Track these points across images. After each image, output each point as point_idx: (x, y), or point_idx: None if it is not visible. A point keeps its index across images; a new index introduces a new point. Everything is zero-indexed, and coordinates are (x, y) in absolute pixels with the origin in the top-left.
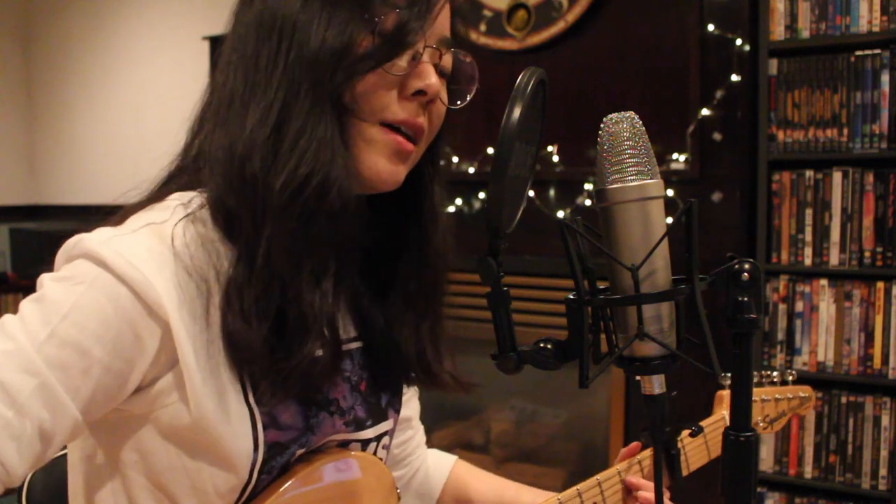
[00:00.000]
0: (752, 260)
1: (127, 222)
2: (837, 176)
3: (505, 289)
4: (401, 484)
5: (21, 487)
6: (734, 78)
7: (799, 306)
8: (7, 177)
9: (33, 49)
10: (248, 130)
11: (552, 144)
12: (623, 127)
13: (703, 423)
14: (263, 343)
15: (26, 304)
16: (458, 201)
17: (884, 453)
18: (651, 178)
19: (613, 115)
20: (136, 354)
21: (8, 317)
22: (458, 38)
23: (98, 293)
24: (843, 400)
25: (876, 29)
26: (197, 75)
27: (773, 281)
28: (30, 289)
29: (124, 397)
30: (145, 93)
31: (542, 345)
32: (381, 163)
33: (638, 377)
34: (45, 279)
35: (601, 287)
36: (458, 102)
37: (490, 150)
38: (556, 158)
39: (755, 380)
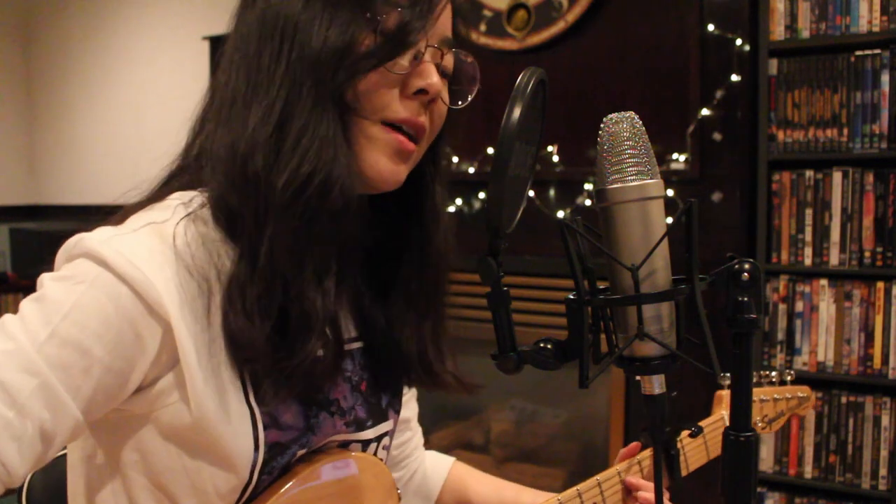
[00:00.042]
0: (752, 260)
1: (127, 222)
2: (837, 176)
3: (505, 289)
4: (399, 485)
5: (21, 487)
6: (734, 78)
7: (799, 306)
8: (7, 177)
9: (33, 49)
10: (250, 129)
11: (552, 144)
12: (623, 127)
13: (702, 424)
14: (266, 342)
15: (26, 303)
16: (458, 201)
17: (884, 453)
18: (651, 178)
19: (613, 115)
20: (137, 354)
21: (8, 316)
22: (459, 38)
23: (99, 292)
24: (843, 400)
25: (876, 29)
26: (197, 75)
27: (773, 281)
28: (30, 289)
29: (125, 397)
30: (145, 93)
31: (542, 345)
32: (383, 161)
33: (638, 377)
34: (45, 279)
35: (601, 287)
36: (460, 102)
37: (490, 150)
38: (556, 158)
39: (754, 380)
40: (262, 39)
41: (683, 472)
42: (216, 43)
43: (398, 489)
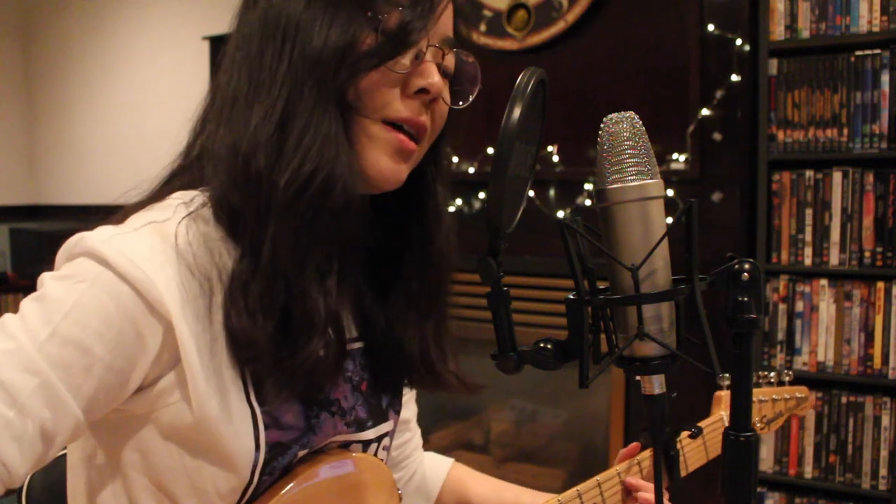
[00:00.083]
0: (752, 260)
1: (128, 221)
2: (837, 176)
3: (505, 289)
4: (399, 486)
5: (21, 488)
6: (734, 78)
7: (799, 306)
8: (7, 177)
9: (33, 49)
10: (252, 128)
11: (552, 144)
12: (623, 127)
13: (701, 424)
14: (269, 340)
15: (27, 302)
16: (458, 201)
17: (884, 453)
18: (651, 178)
19: (613, 115)
20: (138, 353)
21: (8, 316)
22: (460, 38)
23: (100, 291)
24: (843, 400)
25: (876, 29)
26: (197, 75)
27: (773, 281)
28: (30, 289)
29: (126, 396)
30: (145, 93)
31: (542, 345)
32: (384, 160)
33: (638, 377)
34: (45, 278)
35: (601, 287)
36: (461, 103)
37: (490, 150)
38: (556, 158)
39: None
40: (264, 39)
41: (683, 473)
42: (216, 43)
43: (399, 490)
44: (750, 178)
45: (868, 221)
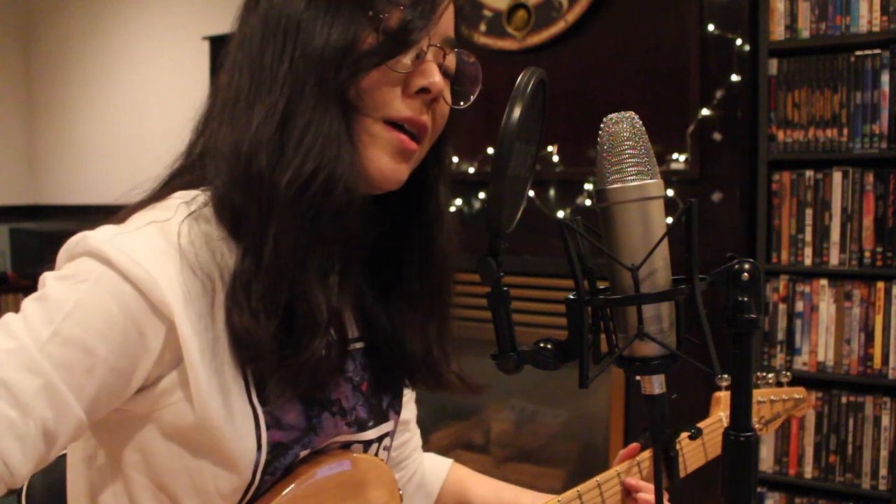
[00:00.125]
0: (752, 260)
1: (130, 220)
2: (837, 176)
3: (505, 289)
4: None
5: (20, 488)
6: (734, 78)
7: (799, 306)
8: (7, 177)
9: (33, 49)
10: (253, 128)
11: (552, 144)
12: (623, 127)
13: (700, 425)
14: (272, 339)
15: (29, 302)
16: (458, 201)
17: (884, 453)
18: (651, 178)
19: (613, 115)
20: (141, 353)
21: (10, 315)
22: (461, 38)
23: (102, 291)
24: (843, 400)
25: (876, 29)
26: (197, 75)
27: (773, 281)
28: (30, 289)
29: (128, 396)
30: (145, 93)
31: (542, 345)
32: (385, 160)
33: (638, 377)
34: (47, 277)
35: (601, 287)
36: (462, 103)
37: (490, 150)
38: (556, 158)
39: None
40: (265, 39)
41: (682, 474)
42: (216, 43)
43: (400, 490)
44: (750, 178)
45: (868, 221)
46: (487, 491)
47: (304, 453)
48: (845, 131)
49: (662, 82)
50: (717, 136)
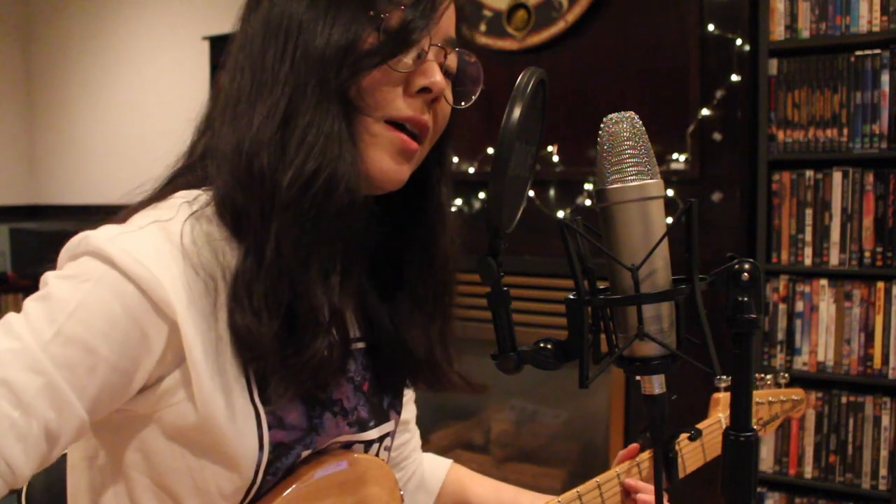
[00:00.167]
0: (752, 260)
1: (132, 220)
2: (837, 176)
3: (505, 289)
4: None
5: (20, 488)
6: (734, 78)
7: (799, 306)
8: (7, 177)
9: (33, 49)
10: (255, 127)
11: (552, 144)
12: (623, 127)
13: (698, 426)
14: (274, 339)
15: (31, 302)
16: (458, 201)
17: (884, 453)
18: (651, 178)
19: (613, 115)
20: (143, 353)
21: (13, 315)
22: (462, 39)
23: (105, 291)
24: (843, 400)
25: (876, 29)
26: (197, 75)
27: (773, 281)
28: (30, 289)
29: (130, 396)
30: (145, 93)
31: (542, 345)
32: (386, 161)
33: (638, 377)
34: (49, 277)
35: (601, 287)
36: (463, 103)
37: (490, 150)
38: (556, 158)
39: None
40: (267, 39)
41: (680, 475)
42: (216, 43)
43: (401, 491)
44: (750, 178)
45: (868, 221)
46: (487, 491)
47: (305, 453)
48: (845, 131)
49: (662, 82)
50: (717, 136)
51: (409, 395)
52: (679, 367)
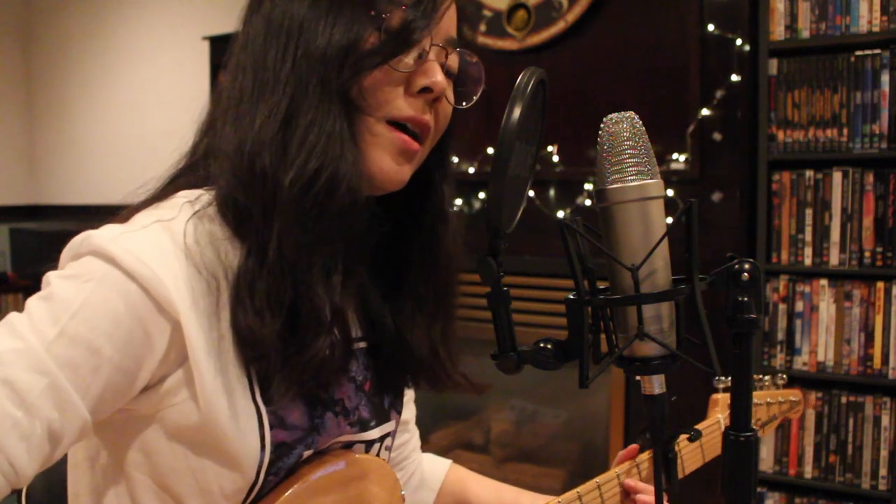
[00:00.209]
0: (752, 260)
1: (134, 219)
2: (837, 176)
3: (505, 289)
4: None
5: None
6: (734, 78)
7: (799, 306)
8: (7, 177)
9: (33, 49)
10: (257, 127)
11: (552, 144)
12: (623, 127)
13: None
14: (276, 338)
15: (34, 302)
16: (458, 201)
17: (884, 453)
18: (651, 178)
19: (613, 115)
20: (146, 352)
21: (15, 315)
22: (463, 39)
23: (108, 290)
24: (843, 400)
25: (876, 29)
26: (197, 75)
27: (773, 281)
28: (30, 289)
29: (132, 396)
30: (145, 93)
31: (542, 345)
32: (387, 161)
33: (638, 377)
34: (51, 277)
35: (601, 287)
36: (464, 103)
37: (490, 150)
38: (556, 158)
39: None
40: (268, 39)
41: (679, 476)
42: (216, 43)
43: (402, 491)
44: (750, 178)
45: (868, 221)
46: (487, 491)
47: (307, 453)
48: (845, 131)
49: (662, 82)
50: (717, 136)
51: (409, 395)
52: (679, 367)
